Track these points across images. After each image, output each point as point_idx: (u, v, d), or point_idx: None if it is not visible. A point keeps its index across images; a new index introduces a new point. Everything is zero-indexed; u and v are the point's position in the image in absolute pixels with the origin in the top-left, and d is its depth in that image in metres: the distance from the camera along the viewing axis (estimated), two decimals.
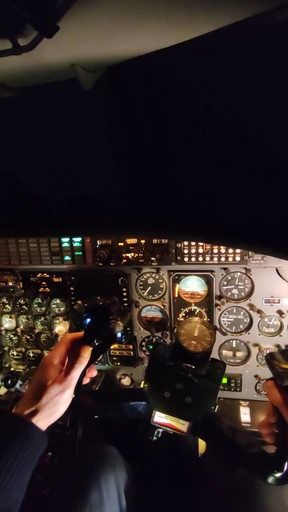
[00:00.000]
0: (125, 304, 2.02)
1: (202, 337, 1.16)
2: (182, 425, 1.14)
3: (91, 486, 1.21)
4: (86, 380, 1.09)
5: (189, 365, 1.12)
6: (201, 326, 1.19)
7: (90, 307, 1.23)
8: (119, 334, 2.08)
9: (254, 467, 1.02)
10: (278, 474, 0.97)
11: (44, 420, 0.94)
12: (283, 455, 0.98)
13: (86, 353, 1.05)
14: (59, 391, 0.96)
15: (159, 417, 1.16)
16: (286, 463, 0.97)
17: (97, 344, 1.10)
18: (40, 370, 1.03)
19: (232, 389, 2.02)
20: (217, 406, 1.13)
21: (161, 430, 1.19)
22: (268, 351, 1.92)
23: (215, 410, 1.12)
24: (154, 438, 1.22)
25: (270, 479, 0.98)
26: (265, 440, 1.04)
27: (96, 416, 1.26)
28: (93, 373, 1.12)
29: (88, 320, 1.18)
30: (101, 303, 1.22)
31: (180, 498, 1.54)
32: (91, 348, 1.09)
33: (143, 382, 1.19)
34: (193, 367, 1.12)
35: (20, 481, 0.84)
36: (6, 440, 0.85)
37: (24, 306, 2.27)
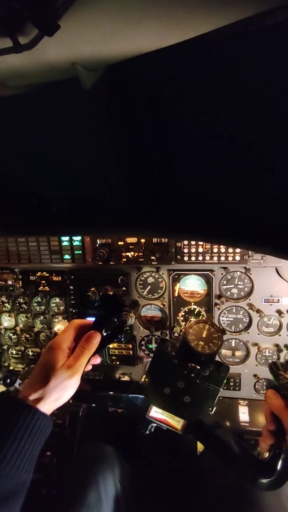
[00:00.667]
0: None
1: (210, 339, 1.16)
2: (177, 423, 1.15)
3: (89, 486, 1.22)
4: (88, 367, 1.08)
5: (193, 365, 1.12)
6: (210, 328, 1.19)
7: (104, 296, 1.22)
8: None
9: (244, 472, 1.02)
10: (269, 479, 0.98)
11: (50, 405, 0.93)
12: (275, 461, 0.99)
13: (96, 339, 1.04)
14: (67, 376, 0.94)
15: (155, 412, 1.17)
16: (277, 470, 0.98)
17: (105, 334, 1.09)
18: (47, 353, 1.00)
19: (231, 388, 2.03)
20: (214, 408, 1.13)
21: (155, 425, 1.20)
22: (267, 351, 1.93)
23: (212, 412, 1.13)
24: (147, 432, 1.23)
25: (261, 484, 0.98)
26: (262, 444, 1.05)
27: (93, 404, 1.26)
28: (96, 360, 1.11)
29: (93, 318, 1.17)
30: (112, 293, 1.21)
31: (178, 497, 1.55)
32: (103, 332, 1.07)
33: (144, 376, 1.20)
34: (198, 367, 1.12)
35: (26, 464, 0.84)
36: (10, 425, 0.85)
37: (24, 305, 2.27)
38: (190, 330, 1.18)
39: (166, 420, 1.16)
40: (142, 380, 1.20)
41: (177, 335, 1.99)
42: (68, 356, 1.00)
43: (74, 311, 2.13)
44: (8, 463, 0.81)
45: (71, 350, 1.03)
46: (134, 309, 1.21)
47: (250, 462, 1.03)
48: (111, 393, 1.22)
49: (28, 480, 0.86)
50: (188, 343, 1.14)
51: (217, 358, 1.18)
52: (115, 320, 1.14)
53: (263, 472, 0.99)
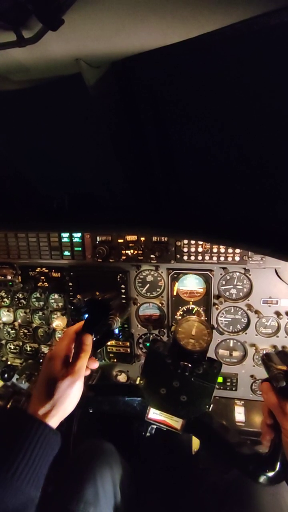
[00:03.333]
0: (123, 301, 2.02)
1: (199, 336, 1.16)
2: (176, 423, 1.15)
3: (87, 481, 1.22)
4: (87, 372, 1.07)
5: (186, 363, 1.13)
6: (199, 325, 1.19)
7: (89, 301, 1.23)
8: (116, 330, 2.09)
9: (245, 467, 1.03)
10: (270, 474, 0.98)
11: (58, 416, 0.94)
12: (275, 456, 0.99)
13: (88, 341, 1.05)
14: (69, 383, 0.96)
15: (154, 414, 1.17)
16: (278, 464, 0.98)
17: (95, 339, 1.10)
18: (47, 365, 1.02)
19: (228, 388, 2.02)
20: (211, 406, 1.13)
21: (155, 426, 1.20)
22: (264, 352, 1.93)
23: (210, 409, 1.13)
24: (148, 434, 1.23)
25: (262, 479, 0.99)
26: (263, 441, 1.05)
27: (90, 410, 1.26)
28: (94, 365, 1.11)
29: (86, 315, 1.17)
30: (100, 298, 1.21)
31: (174, 495, 1.55)
32: (93, 337, 1.07)
33: (139, 378, 1.20)
34: (190, 365, 1.12)
35: (36, 480, 0.85)
36: (21, 439, 0.86)
37: (23, 300, 2.27)
38: (179, 329, 1.18)
39: (165, 421, 1.16)
40: (138, 381, 1.20)
41: None
42: (67, 364, 1.01)
43: (72, 307, 2.13)
44: (19, 477, 0.82)
45: (70, 358, 1.03)
46: (121, 312, 1.21)
47: (251, 457, 1.03)
48: (107, 397, 1.22)
49: (36, 497, 0.86)
50: (178, 342, 1.14)
51: (214, 357, 1.18)
52: (102, 324, 1.14)
53: (264, 466, 1.00)
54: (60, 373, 0.98)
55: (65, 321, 2.20)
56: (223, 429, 1.12)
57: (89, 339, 1.05)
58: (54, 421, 0.93)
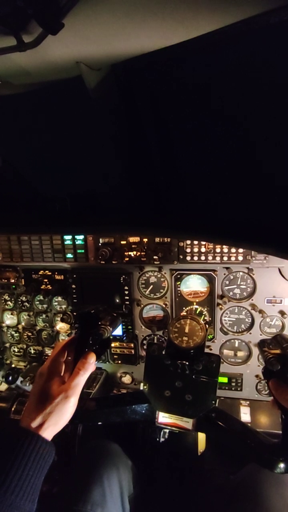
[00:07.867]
0: (127, 303, 2.02)
1: (193, 333, 1.17)
2: (186, 423, 1.14)
3: (94, 483, 1.22)
4: None
5: (184, 361, 1.13)
6: (191, 322, 1.19)
7: (79, 314, 1.24)
8: (120, 332, 2.10)
9: (261, 457, 1.02)
10: (285, 463, 0.98)
11: (50, 429, 0.93)
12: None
13: (92, 359, 1.04)
14: (63, 398, 0.95)
15: (163, 418, 1.17)
16: None
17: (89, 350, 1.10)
18: (39, 380, 1.02)
19: (233, 389, 2.02)
20: (217, 400, 1.13)
21: (167, 430, 1.19)
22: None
23: (216, 404, 1.13)
24: (162, 439, 1.22)
25: (278, 468, 0.98)
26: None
27: (99, 423, 1.26)
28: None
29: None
30: (89, 310, 1.22)
31: (180, 496, 1.54)
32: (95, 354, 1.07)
33: (142, 384, 1.20)
34: (188, 363, 1.12)
35: (30, 493, 0.84)
36: (13, 453, 0.85)
37: (26, 303, 2.28)
38: (172, 328, 1.18)
39: (175, 423, 1.15)
40: (142, 386, 1.20)
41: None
42: (61, 379, 1.01)
43: (73, 314, 2.13)
44: (13, 492, 0.81)
45: (62, 372, 1.04)
46: (112, 322, 1.22)
47: (264, 446, 1.03)
48: (114, 408, 1.21)
49: (32, 510, 0.85)
50: (172, 342, 1.14)
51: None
52: (96, 336, 1.14)
53: (279, 453, 1.00)
54: (54, 387, 0.97)
55: (68, 324, 2.20)
56: (233, 421, 1.12)
57: (92, 358, 1.05)
58: (46, 434, 0.92)
